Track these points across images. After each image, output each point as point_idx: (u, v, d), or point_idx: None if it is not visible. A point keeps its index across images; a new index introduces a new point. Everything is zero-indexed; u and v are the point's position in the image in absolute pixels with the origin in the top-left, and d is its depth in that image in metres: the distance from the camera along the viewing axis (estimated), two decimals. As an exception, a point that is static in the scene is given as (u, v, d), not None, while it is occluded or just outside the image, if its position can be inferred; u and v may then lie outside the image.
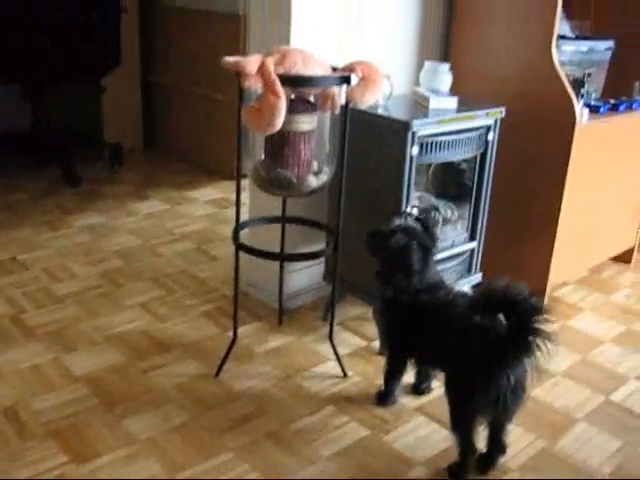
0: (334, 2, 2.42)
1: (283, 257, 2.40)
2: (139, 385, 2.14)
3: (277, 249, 2.38)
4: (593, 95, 2.84)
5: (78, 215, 3.43)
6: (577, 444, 2.03)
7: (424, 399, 2.17)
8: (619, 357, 2.51)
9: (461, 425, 1.84)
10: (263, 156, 2.14)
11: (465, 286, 2.58)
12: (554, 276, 2.72)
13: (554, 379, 2.33)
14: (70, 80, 3.86)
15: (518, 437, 2.02)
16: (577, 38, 2.85)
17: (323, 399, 2.13)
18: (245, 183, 3.90)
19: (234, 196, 3.71)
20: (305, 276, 2.68)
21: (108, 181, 3.95)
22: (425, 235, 1.97)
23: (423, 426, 2.05)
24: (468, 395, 1.80)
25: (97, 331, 2.43)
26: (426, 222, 2.02)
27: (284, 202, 2.32)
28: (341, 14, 2.46)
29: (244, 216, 3.42)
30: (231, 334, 2.34)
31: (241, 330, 2.40)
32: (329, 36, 2.45)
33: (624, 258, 3.25)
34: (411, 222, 2.03)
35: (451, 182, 2.66)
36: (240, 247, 2.17)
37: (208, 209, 3.60)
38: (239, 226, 2.21)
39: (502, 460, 1.90)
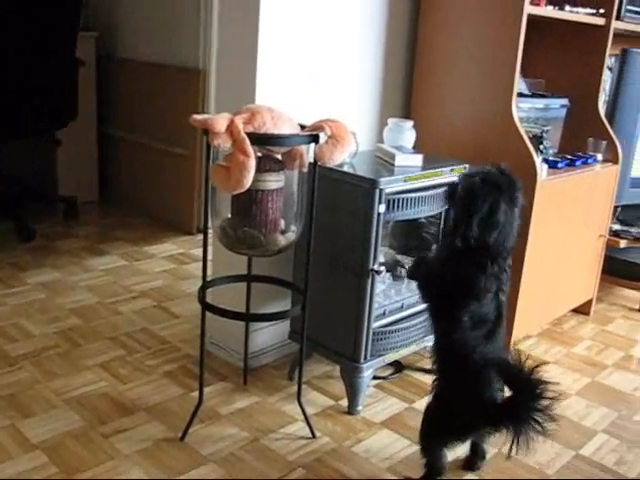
0: (299, 60, 2.44)
1: (250, 317, 2.36)
2: (100, 451, 2.06)
3: (241, 306, 2.34)
4: (550, 151, 2.90)
5: (32, 271, 3.34)
6: (551, 502, 2.02)
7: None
8: (585, 410, 2.51)
9: (429, 448, 1.94)
10: (229, 214, 2.11)
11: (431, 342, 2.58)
12: (518, 330, 2.73)
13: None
14: (26, 136, 3.81)
15: (492, 497, 2.01)
16: (533, 95, 2.92)
17: (292, 461, 2.08)
18: (209, 239, 3.92)
19: (193, 252, 3.71)
20: (269, 334, 2.63)
21: (63, 236, 3.86)
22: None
23: (396, 488, 2.02)
24: (442, 423, 1.92)
25: (55, 394, 2.34)
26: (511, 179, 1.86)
27: (249, 260, 2.30)
28: (305, 72, 2.47)
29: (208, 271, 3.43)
30: (195, 395, 2.27)
31: (206, 391, 2.34)
32: (294, 93, 2.46)
33: (583, 309, 3.29)
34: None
35: (410, 237, 2.67)
36: (207, 307, 2.12)
37: (167, 265, 3.54)
38: (205, 285, 2.17)
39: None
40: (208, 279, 2.19)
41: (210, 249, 3.76)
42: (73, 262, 3.49)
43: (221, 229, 2.11)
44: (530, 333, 2.96)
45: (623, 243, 3.26)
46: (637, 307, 3.47)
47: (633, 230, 3.35)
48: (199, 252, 3.72)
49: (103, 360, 2.58)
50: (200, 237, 3.96)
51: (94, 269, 3.42)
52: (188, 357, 2.63)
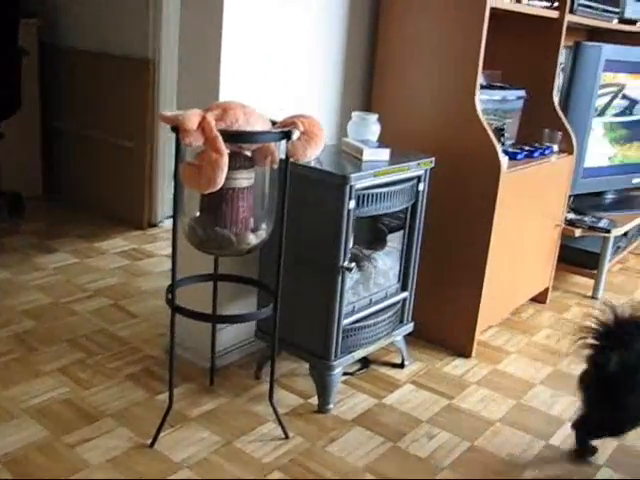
0: (260, 54, 2.38)
1: (219, 319, 2.31)
2: (68, 463, 1.98)
3: (203, 305, 2.28)
4: (509, 142, 2.91)
5: (-23, 272, 3.21)
6: (527, 495, 2.04)
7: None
8: (551, 399, 2.54)
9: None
10: (198, 212, 2.05)
11: (398, 336, 2.58)
12: (481, 321, 2.75)
13: (494, 427, 2.33)
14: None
15: (470, 492, 2.01)
16: (491, 87, 2.92)
17: (268, 464, 2.04)
18: (161, 234, 3.83)
19: (145, 247, 3.62)
20: (234, 332, 2.58)
21: (8, 232, 3.71)
22: None
23: (374, 487, 2.00)
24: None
25: (13, 403, 2.24)
26: None
27: (216, 259, 2.24)
28: (266, 66, 2.42)
29: (161, 267, 3.35)
30: (161, 397, 2.23)
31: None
32: (256, 87, 2.40)
33: (540, 298, 3.34)
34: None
35: (365, 229, 2.65)
36: (176, 309, 2.06)
37: (120, 261, 3.44)
38: (174, 285, 2.10)
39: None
40: (177, 280, 2.12)
41: (167, 245, 3.70)
42: (22, 260, 3.36)
43: (190, 228, 2.05)
44: (492, 323, 2.98)
45: (578, 232, 3.30)
46: (590, 294, 3.53)
47: (587, 219, 3.40)
48: (152, 247, 3.64)
49: (62, 364, 2.48)
50: (152, 232, 3.87)
51: (45, 267, 3.30)
52: (150, 358, 2.56)
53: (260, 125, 1.91)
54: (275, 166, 2.02)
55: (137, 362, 2.53)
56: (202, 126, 1.79)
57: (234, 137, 1.86)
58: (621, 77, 3.49)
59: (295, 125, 1.92)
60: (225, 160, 1.79)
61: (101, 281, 3.20)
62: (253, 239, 2.04)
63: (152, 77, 3.65)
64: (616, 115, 3.58)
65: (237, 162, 1.94)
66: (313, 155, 1.97)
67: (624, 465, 2.20)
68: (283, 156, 1.98)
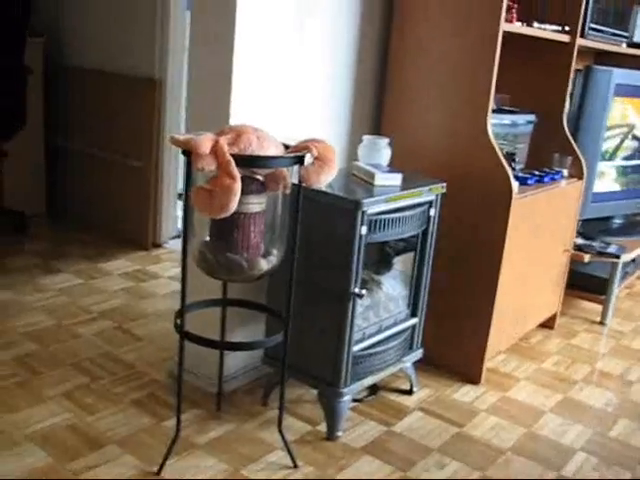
0: (272, 78, 2.36)
1: (229, 346, 2.28)
2: (73, 490, 1.95)
3: (209, 329, 2.25)
4: (519, 167, 2.89)
5: (-21, 292, 3.18)
6: (541, 528, 2.00)
7: (381, 488, 2.08)
8: (561, 428, 2.50)
9: None
10: (208, 237, 2.02)
11: (408, 362, 2.54)
12: (491, 347, 2.71)
13: (505, 457, 2.29)
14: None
15: (482, 525, 1.97)
16: (500, 111, 2.90)
17: (277, 495, 2.01)
18: (166, 255, 3.80)
19: (150, 268, 3.59)
20: (240, 357, 2.55)
21: (11, 253, 3.68)
22: None
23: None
24: None
25: (17, 428, 2.20)
26: None
27: (224, 284, 2.21)
28: (277, 89, 2.40)
29: (166, 289, 3.32)
30: (168, 424, 2.19)
31: (180, 420, 2.25)
32: (266, 111, 2.38)
33: (548, 323, 3.30)
34: None
35: (379, 253, 2.63)
36: (185, 336, 2.03)
37: (125, 283, 3.41)
38: (183, 311, 2.06)
39: None
40: (187, 304, 2.09)
41: (171, 266, 3.68)
42: (25, 281, 3.33)
43: (199, 253, 2.02)
44: (500, 349, 2.95)
45: (587, 257, 3.28)
46: (598, 320, 3.50)
47: (595, 244, 3.38)
48: (156, 269, 3.61)
49: (66, 389, 2.44)
50: (156, 252, 3.84)
51: (48, 288, 3.27)
52: (156, 383, 2.53)
53: (273, 149, 1.88)
54: (287, 191, 1.99)
55: (142, 387, 2.50)
56: (215, 150, 1.77)
57: (247, 162, 1.83)
58: (631, 116, 3.49)
59: (309, 150, 1.90)
60: (238, 185, 1.76)
61: (105, 303, 3.16)
62: (264, 265, 2.01)
63: (158, 97, 3.64)
64: (626, 159, 3.58)
65: (249, 187, 1.91)
66: (326, 181, 1.95)
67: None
68: (296, 181, 1.96)
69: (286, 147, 1.97)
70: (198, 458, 2.13)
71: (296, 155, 1.88)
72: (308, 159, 1.89)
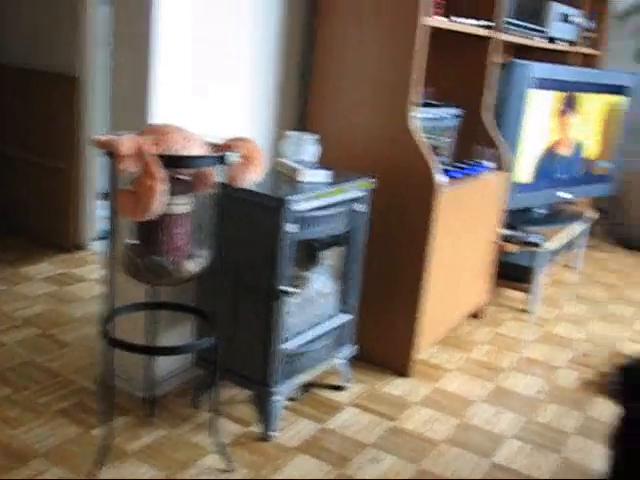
0: (192, 76, 2.32)
1: (157, 351, 2.23)
2: (-2, 507, 1.88)
3: (138, 333, 2.21)
4: (445, 160, 2.92)
5: None
6: (476, 517, 2.02)
7: (317, 486, 2.07)
8: (493, 416, 2.54)
9: None
10: (133, 240, 1.97)
11: (341, 359, 2.54)
12: (422, 340, 2.74)
13: (439, 448, 2.31)
14: None
15: (419, 518, 1.98)
16: (426, 105, 2.92)
17: (213, 499, 1.98)
18: (89, 257, 3.70)
19: (74, 271, 3.49)
20: (171, 360, 2.50)
21: None
22: None
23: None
24: None
25: (-64, 444, 2.11)
26: None
27: (153, 287, 2.16)
28: (198, 87, 2.35)
29: (92, 292, 3.22)
30: (97, 432, 2.12)
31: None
32: (188, 109, 2.33)
33: (477, 314, 3.35)
34: None
35: (305, 249, 2.61)
36: (113, 342, 1.97)
37: (48, 287, 3.30)
38: (110, 317, 2.00)
39: None
40: (114, 309, 2.03)
41: (96, 268, 3.56)
42: (-58, 289, 3.20)
43: (125, 256, 1.97)
44: (431, 341, 2.97)
45: (512, 248, 3.34)
46: (524, 308, 3.57)
47: (519, 234, 3.44)
48: (81, 272, 3.51)
49: (-13, 401, 2.36)
50: (79, 255, 3.73)
51: (-32, 296, 3.15)
52: (83, 390, 2.45)
53: (198, 149, 1.85)
54: (213, 191, 1.96)
55: (69, 396, 2.42)
56: (137, 151, 1.72)
57: (171, 162, 1.79)
58: (549, 108, 3.56)
59: (234, 149, 1.87)
60: (162, 186, 1.72)
61: (29, 309, 3.05)
62: (191, 267, 1.97)
63: (78, 95, 3.53)
64: (547, 150, 3.66)
65: (174, 188, 1.87)
66: (253, 180, 1.93)
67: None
68: (222, 180, 1.92)
69: (211, 146, 1.93)
70: (130, 466, 2.08)
71: (222, 154, 1.85)
72: (234, 158, 1.86)
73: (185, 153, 1.81)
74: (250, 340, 2.25)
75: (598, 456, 2.08)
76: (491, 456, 2.30)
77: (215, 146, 1.92)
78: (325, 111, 2.74)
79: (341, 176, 2.35)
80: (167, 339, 2.43)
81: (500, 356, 3.04)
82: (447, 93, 3.12)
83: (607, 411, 2.62)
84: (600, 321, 3.57)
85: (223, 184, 1.91)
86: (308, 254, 2.61)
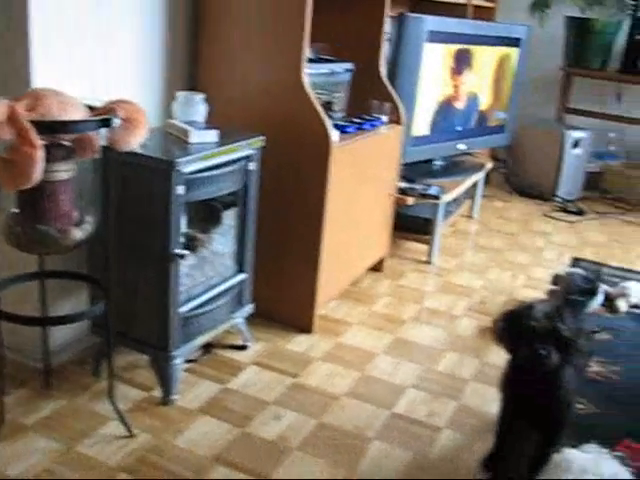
0: (73, 36, 2.23)
1: (49, 321, 2.18)
2: None
3: (31, 304, 2.15)
4: (339, 115, 2.93)
5: None
6: (375, 464, 2.07)
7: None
8: (393, 367, 2.61)
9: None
10: (15, 209, 1.91)
11: (239, 318, 2.55)
12: (321, 295, 2.76)
13: (339, 401, 2.36)
14: None
15: (319, 471, 2.02)
16: (319, 60, 2.91)
17: (113, 467, 1.96)
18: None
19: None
20: (68, 330, 2.45)
21: None
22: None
23: None
24: None
25: None
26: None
27: (40, 256, 2.11)
28: (80, 48, 2.27)
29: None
30: (-11, 408, 2.07)
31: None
32: (71, 72, 2.25)
33: (377, 267, 3.41)
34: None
35: (198, 208, 2.59)
36: (1, 315, 1.92)
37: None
38: (-5, 289, 1.95)
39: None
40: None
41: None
42: None
43: (7, 226, 1.90)
44: (332, 296, 3.01)
45: (411, 200, 3.39)
46: (425, 259, 3.65)
47: (417, 187, 3.49)
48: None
49: None
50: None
51: None
52: (-24, 365, 2.39)
53: (77, 113, 1.79)
54: (97, 156, 1.91)
55: (-39, 371, 2.35)
56: (10, 117, 1.66)
57: (48, 128, 1.73)
58: (444, 61, 3.60)
59: (115, 112, 1.82)
60: (40, 153, 1.67)
61: None
62: (78, 234, 1.92)
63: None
64: (444, 103, 3.70)
65: (55, 154, 1.81)
66: (136, 142, 1.88)
67: (464, 426, 2.29)
68: (105, 144, 1.87)
69: (92, 109, 1.88)
70: (28, 441, 2.04)
71: (102, 118, 1.80)
72: (115, 121, 1.81)
73: (63, 118, 1.75)
74: (146, 305, 2.23)
75: (494, 401, 2.15)
76: (391, 407, 2.36)
77: (95, 109, 1.87)
78: (216, 69, 2.69)
79: (230, 135, 2.32)
80: (62, 308, 2.38)
81: (401, 308, 3.10)
82: (342, 48, 3.11)
83: (502, 357, 2.71)
84: (498, 269, 3.68)
85: (108, 148, 1.86)
86: (209, 215, 2.59)
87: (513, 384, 2.02)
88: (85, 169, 1.98)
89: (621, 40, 5.15)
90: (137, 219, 2.15)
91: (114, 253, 2.02)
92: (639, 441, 2.24)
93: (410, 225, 3.64)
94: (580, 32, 5.12)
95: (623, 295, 3.27)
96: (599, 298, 3.19)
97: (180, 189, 2.08)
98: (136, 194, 2.13)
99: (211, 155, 2.18)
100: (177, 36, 2.67)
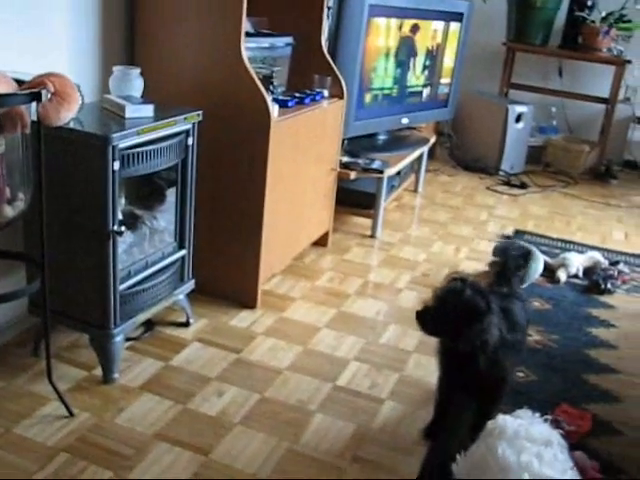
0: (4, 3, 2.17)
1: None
2: None
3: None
4: (279, 90, 2.91)
5: None
6: (318, 436, 2.08)
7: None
8: (336, 341, 2.62)
9: None
10: (-57, 187, 1.86)
11: (180, 295, 2.53)
12: (264, 270, 2.76)
13: (282, 376, 2.36)
14: None
15: (261, 444, 2.02)
16: (258, 35, 2.89)
17: (53, 447, 1.93)
18: None
19: None
20: (5, 309, 2.40)
21: None
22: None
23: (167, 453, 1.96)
24: None
25: None
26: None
27: (-28, 234, 2.06)
28: (10, 21, 2.21)
29: None
30: None
31: (-62, 385, 2.10)
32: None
33: (321, 242, 3.41)
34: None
35: (141, 184, 2.56)
36: None
37: None
38: None
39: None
40: None
41: None
42: None
43: None
44: (275, 272, 3.01)
45: (353, 174, 3.39)
46: (369, 233, 3.67)
47: (360, 161, 3.50)
48: None
49: None
50: None
51: None
52: None
53: (3, 87, 1.74)
54: (27, 131, 1.86)
55: None
56: None
57: (-26, 102, 1.69)
58: (387, 35, 3.59)
59: (44, 85, 1.78)
60: (-35, 128, 1.62)
61: None
62: (10, 211, 1.88)
63: None
64: (387, 77, 3.70)
65: (-18, 129, 1.77)
66: (67, 117, 1.84)
67: (406, 397, 2.32)
68: (35, 119, 1.83)
69: (20, 83, 1.83)
70: (-37, 422, 2.01)
71: (30, 92, 1.75)
72: (44, 96, 1.76)
73: (-12, 92, 1.71)
74: (84, 283, 2.20)
75: (436, 371, 2.18)
76: (334, 380, 2.38)
77: (23, 83, 1.82)
78: (153, 42, 2.64)
79: (167, 110, 2.29)
80: (0, 288, 2.34)
81: (345, 282, 3.12)
82: (282, 23, 3.09)
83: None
84: (441, 242, 3.72)
85: (38, 123, 1.82)
86: (152, 192, 2.56)
87: (446, 356, 2.05)
88: (17, 145, 1.93)
89: (562, 16, 5.22)
90: (73, 196, 2.11)
91: (50, 230, 1.98)
92: (575, 405, 2.30)
93: (354, 200, 3.64)
94: (522, 8, 5.16)
95: (563, 266, 3.34)
96: (539, 268, 3.26)
97: (116, 165, 2.04)
98: (71, 170, 2.09)
99: (146, 130, 2.14)
100: (113, 9, 2.61)
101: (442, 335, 1.96)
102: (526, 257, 3.03)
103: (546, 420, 1.75)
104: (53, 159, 2.01)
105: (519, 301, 2.12)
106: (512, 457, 1.59)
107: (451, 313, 1.86)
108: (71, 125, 2.05)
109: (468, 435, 2.00)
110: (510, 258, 2.25)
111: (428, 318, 1.92)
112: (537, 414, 1.79)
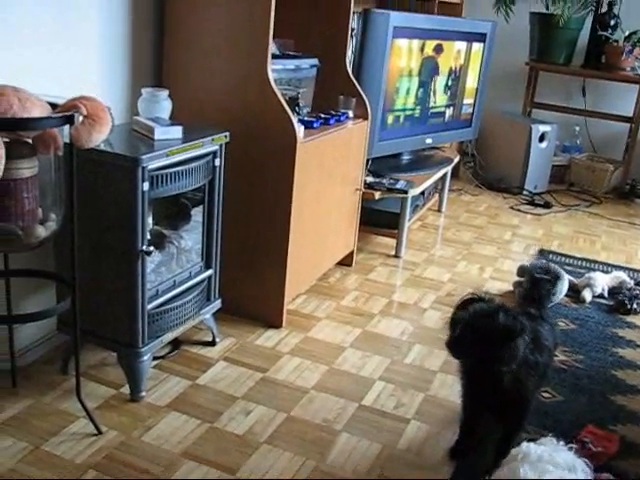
0: (41, 29, 2.22)
1: (13, 319, 2.17)
2: None
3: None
4: (305, 111, 2.94)
5: None
6: (343, 456, 2.09)
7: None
8: (361, 361, 2.63)
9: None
10: (-23, 208, 1.90)
11: (207, 314, 2.55)
12: (289, 290, 2.78)
13: (308, 395, 2.37)
14: None
15: (287, 463, 2.03)
16: (284, 56, 2.92)
17: (81, 465, 1.95)
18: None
19: None
20: (35, 328, 2.44)
21: None
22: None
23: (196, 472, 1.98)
24: None
25: None
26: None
27: (5, 254, 2.09)
28: (45, 46, 2.26)
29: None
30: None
31: (-30, 402, 2.13)
32: (33, 69, 2.24)
33: (346, 261, 3.42)
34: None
35: (168, 205, 2.59)
36: (-37, 314, 1.91)
37: None
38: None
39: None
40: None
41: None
42: None
43: (-31, 225, 1.90)
44: (300, 291, 3.02)
45: (377, 194, 3.41)
46: (393, 253, 3.68)
47: (385, 181, 3.52)
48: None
49: None
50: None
51: None
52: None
53: (38, 110, 1.78)
54: (60, 153, 1.90)
55: None
56: (-29, 115, 1.65)
57: (8, 125, 1.73)
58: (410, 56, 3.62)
59: (77, 108, 1.82)
60: (1, 151, 1.66)
61: None
62: (42, 232, 1.92)
63: None
64: (411, 97, 3.73)
65: (16, 151, 1.81)
66: (99, 139, 1.88)
67: (432, 416, 2.32)
68: (68, 141, 1.87)
69: (54, 107, 1.87)
70: (-7, 440, 2.04)
71: (63, 115, 1.79)
72: (76, 119, 1.80)
73: (24, 115, 1.74)
74: (113, 302, 2.23)
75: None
76: (359, 399, 2.38)
77: (57, 106, 1.86)
78: (181, 65, 2.68)
79: (195, 132, 2.32)
80: (28, 307, 2.37)
81: (369, 302, 3.13)
82: (308, 44, 3.13)
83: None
84: (465, 261, 3.72)
85: (70, 145, 1.86)
86: (179, 212, 2.60)
87: (469, 375, 2.05)
88: (49, 166, 1.97)
89: (584, 36, 5.23)
90: (103, 216, 2.15)
91: (80, 250, 2.01)
92: (602, 427, 2.29)
93: (378, 219, 3.66)
94: (545, 28, 5.17)
95: (588, 286, 3.33)
96: (563, 288, 3.25)
97: (145, 186, 2.08)
98: (101, 191, 2.13)
99: (175, 151, 2.18)
100: (142, 32, 2.66)
101: (473, 358, 1.96)
102: (555, 278, 3.03)
103: (571, 448, 1.74)
104: (84, 180, 2.05)
105: (547, 324, 2.12)
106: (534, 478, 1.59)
107: (485, 336, 1.85)
108: (102, 147, 2.09)
109: (493, 457, 2.00)
110: (540, 280, 2.25)
111: (459, 344, 1.91)
112: (562, 442, 1.79)
